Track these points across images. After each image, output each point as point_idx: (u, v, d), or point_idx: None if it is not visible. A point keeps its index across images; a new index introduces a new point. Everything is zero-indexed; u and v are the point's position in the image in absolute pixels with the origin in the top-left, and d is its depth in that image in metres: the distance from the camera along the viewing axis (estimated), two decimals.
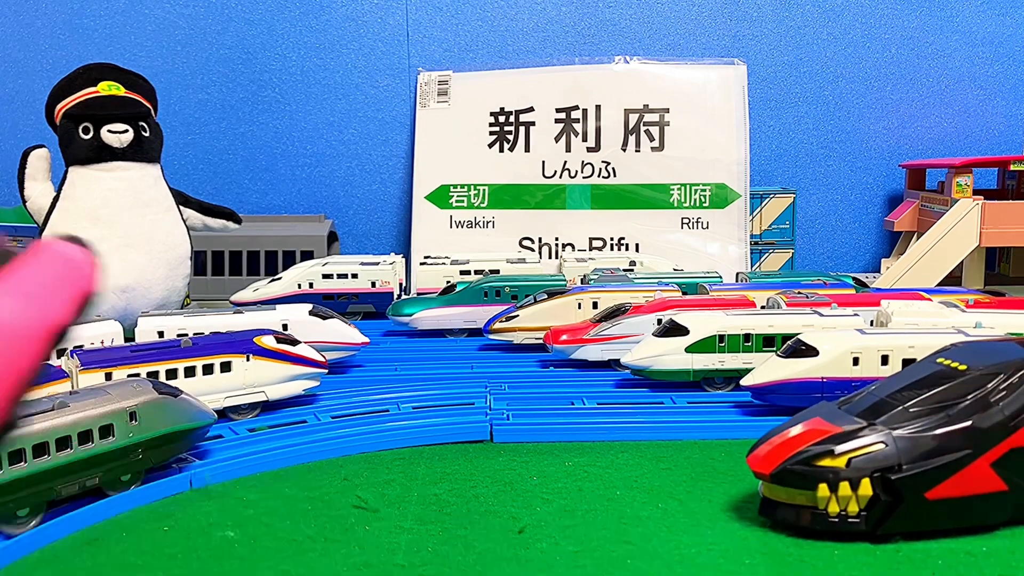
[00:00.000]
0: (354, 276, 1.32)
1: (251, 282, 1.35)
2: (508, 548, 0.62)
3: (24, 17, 1.62)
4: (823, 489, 0.61)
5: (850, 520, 0.61)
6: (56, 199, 1.15)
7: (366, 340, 1.05)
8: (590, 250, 1.53)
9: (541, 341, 1.10)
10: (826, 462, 0.61)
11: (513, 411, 0.88)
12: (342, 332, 1.03)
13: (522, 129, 1.55)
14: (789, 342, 0.89)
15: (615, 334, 1.05)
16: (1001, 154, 1.64)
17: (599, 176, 1.54)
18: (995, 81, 1.65)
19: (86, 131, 1.14)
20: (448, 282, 1.29)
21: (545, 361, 1.10)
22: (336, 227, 1.63)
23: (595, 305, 1.13)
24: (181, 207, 1.22)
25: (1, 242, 0.34)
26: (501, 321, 1.14)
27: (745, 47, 1.63)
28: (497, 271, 1.35)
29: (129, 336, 0.98)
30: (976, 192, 1.43)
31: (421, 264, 1.39)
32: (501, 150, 1.55)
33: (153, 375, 0.82)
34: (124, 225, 1.14)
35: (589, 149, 1.55)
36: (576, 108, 1.55)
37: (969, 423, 0.62)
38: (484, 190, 1.54)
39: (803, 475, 0.61)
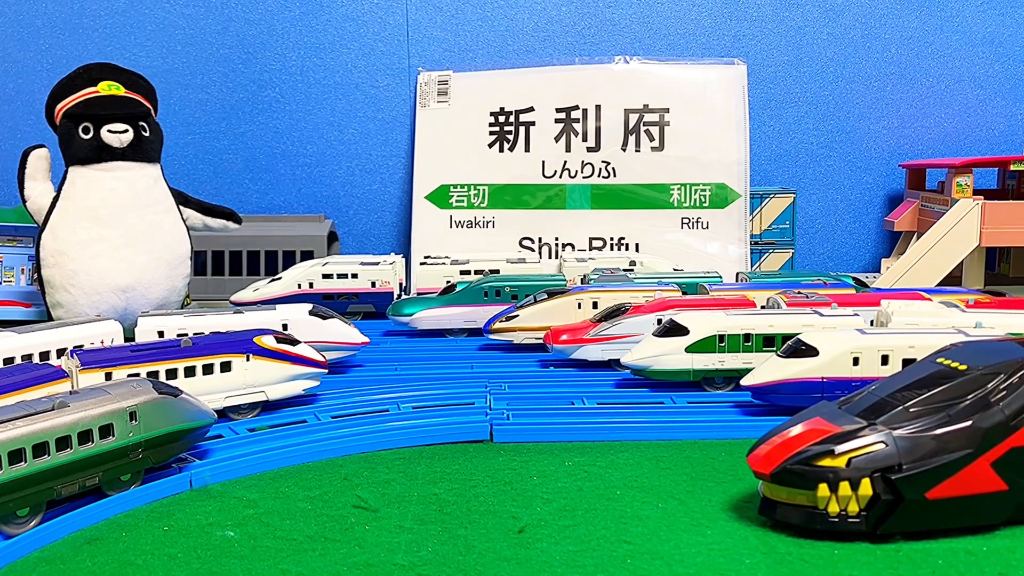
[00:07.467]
0: (354, 276, 1.32)
1: (251, 282, 1.35)
2: (508, 548, 0.62)
3: (24, 17, 1.62)
4: (823, 489, 0.61)
5: (850, 520, 0.61)
6: (56, 199, 1.15)
7: (366, 340, 1.05)
8: (590, 250, 1.53)
9: (541, 341, 1.10)
10: (826, 462, 0.61)
11: (513, 411, 0.88)
12: (342, 332, 1.03)
13: (522, 129, 1.55)
14: (789, 342, 0.89)
15: (615, 334, 1.05)
16: (1001, 154, 1.64)
17: (599, 176, 1.54)
18: (995, 81, 1.65)
19: (86, 131, 1.14)
20: (448, 282, 1.29)
21: (545, 361, 1.10)
22: (336, 227, 1.63)
23: (595, 305, 1.13)
24: (181, 207, 1.22)
25: None
26: (501, 321, 1.14)
27: (745, 47, 1.63)
28: (497, 271, 1.35)
29: (129, 336, 0.98)
30: (976, 192, 1.43)
31: (421, 264, 1.39)
32: (501, 150, 1.55)
33: (153, 375, 0.82)
34: (124, 225, 1.14)
35: (589, 149, 1.55)
36: (576, 108, 1.55)
37: (969, 423, 0.62)
38: (484, 190, 1.54)
39: (803, 475, 0.61)
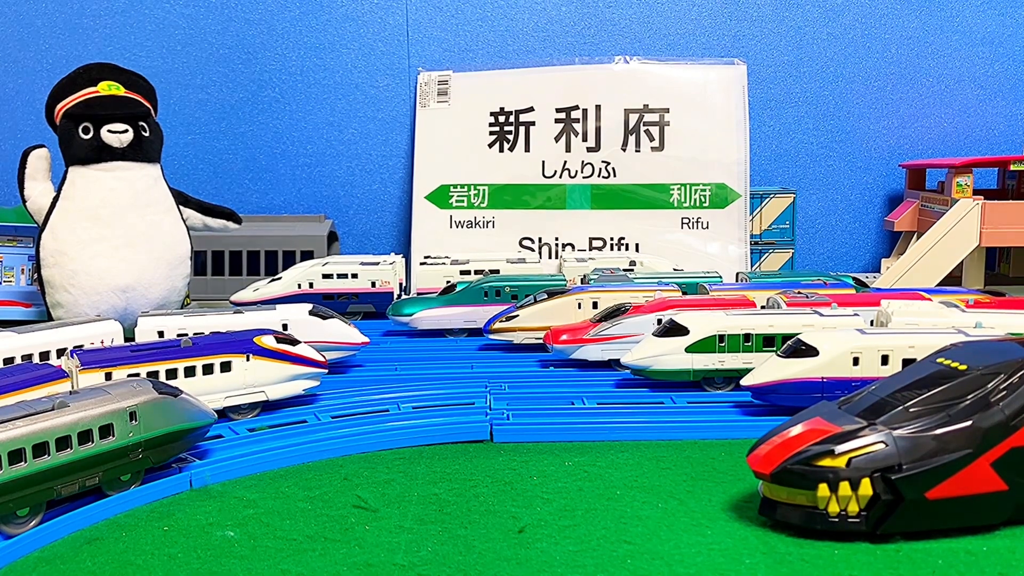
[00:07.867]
0: (354, 276, 1.32)
1: (251, 282, 1.35)
2: (508, 548, 0.62)
3: (24, 17, 1.62)
4: (823, 489, 0.61)
5: (850, 520, 0.61)
6: (56, 199, 1.15)
7: (366, 340, 1.05)
8: (590, 250, 1.53)
9: (541, 341, 1.10)
10: (826, 462, 0.61)
11: (513, 411, 0.88)
12: (342, 332, 1.03)
13: (522, 129, 1.55)
14: (789, 342, 0.89)
15: (615, 334, 1.05)
16: (1001, 154, 1.64)
17: (599, 176, 1.54)
18: (995, 81, 1.65)
19: (86, 131, 1.14)
20: (448, 282, 1.29)
21: (545, 361, 1.10)
22: (336, 227, 1.63)
23: (595, 305, 1.13)
24: (181, 207, 1.22)
25: None
26: (501, 321, 1.14)
27: (745, 47, 1.63)
28: (497, 271, 1.35)
29: (129, 336, 0.98)
30: (976, 192, 1.43)
31: (421, 264, 1.39)
32: (501, 150, 1.55)
33: (153, 375, 0.82)
34: (124, 225, 1.14)
35: (589, 149, 1.54)
36: (576, 108, 1.55)
37: (969, 423, 0.62)
38: (484, 190, 1.54)
39: (803, 475, 0.61)
